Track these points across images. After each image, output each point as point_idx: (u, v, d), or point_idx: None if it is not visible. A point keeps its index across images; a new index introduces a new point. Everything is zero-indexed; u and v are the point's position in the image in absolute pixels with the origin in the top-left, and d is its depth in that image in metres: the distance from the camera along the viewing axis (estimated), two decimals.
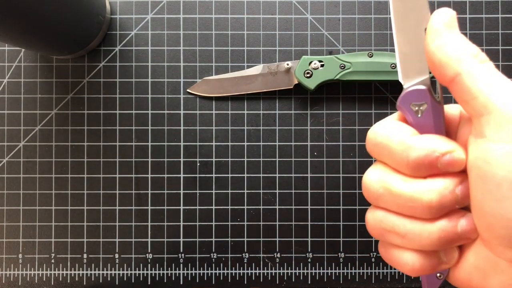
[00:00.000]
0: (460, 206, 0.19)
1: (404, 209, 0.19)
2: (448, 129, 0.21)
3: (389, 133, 0.20)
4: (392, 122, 0.20)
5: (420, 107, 0.20)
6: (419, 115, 0.20)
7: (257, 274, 0.37)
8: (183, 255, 0.37)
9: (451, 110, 0.21)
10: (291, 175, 0.37)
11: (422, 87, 0.20)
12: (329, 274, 0.37)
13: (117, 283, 0.37)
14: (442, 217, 0.18)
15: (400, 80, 0.20)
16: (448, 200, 0.18)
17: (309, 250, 0.37)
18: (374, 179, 0.20)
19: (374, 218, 0.20)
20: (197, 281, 0.37)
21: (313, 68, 0.35)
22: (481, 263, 0.18)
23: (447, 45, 0.18)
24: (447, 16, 0.18)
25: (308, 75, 0.35)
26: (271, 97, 0.37)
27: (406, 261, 0.19)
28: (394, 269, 0.37)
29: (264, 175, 0.37)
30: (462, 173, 0.19)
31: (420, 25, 0.19)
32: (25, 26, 0.28)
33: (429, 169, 0.18)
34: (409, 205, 0.18)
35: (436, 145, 0.18)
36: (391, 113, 0.37)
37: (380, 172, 0.20)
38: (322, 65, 0.35)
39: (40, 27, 0.29)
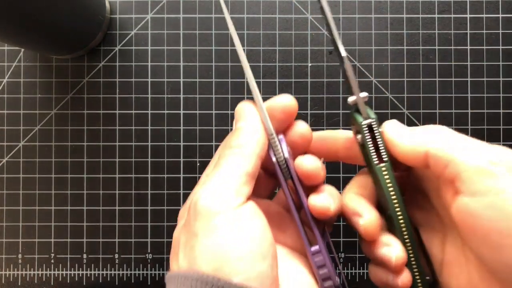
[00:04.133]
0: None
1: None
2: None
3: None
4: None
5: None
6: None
7: None
8: None
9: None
10: None
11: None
12: None
13: (117, 283, 0.37)
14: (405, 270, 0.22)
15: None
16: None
17: None
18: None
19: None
20: None
21: None
22: None
23: (407, 141, 0.21)
24: (394, 127, 0.22)
25: None
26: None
27: None
28: None
29: None
30: None
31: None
32: (24, 26, 0.28)
33: None
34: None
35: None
36: (391, 113, 0.37)
37: None
38: None
39: (40, 27, 0.29)
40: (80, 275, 0.37)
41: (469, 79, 0.37)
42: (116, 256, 0.37)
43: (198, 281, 0.17)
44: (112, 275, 0.37)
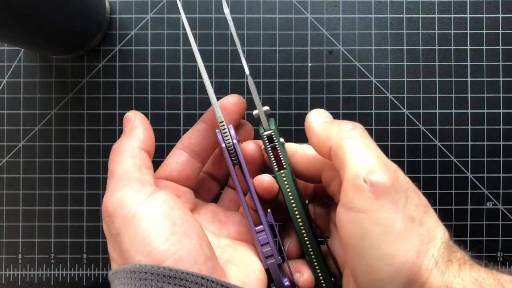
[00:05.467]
0: None
1: None
2: None
3: None
4: None
5: None
6: None
7: None
8: None
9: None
10: None
11: None
12: None
13: None
14: None
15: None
16: None
17: None
18: None
19: None
20: None
21: None
22: None
23: (321, 132, 0.22)
24: (317, 115, 0.23)
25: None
26: (271, 97, 0.37)
27: None
28: None
29: None
30: None
31: None
32: (24, 26, 0.28)
33: None
34: None
35: None
36: (391, 113, 0.37)
37: None
38: None
39: (40, 27, 0.29)
40: (80, 275, 0.37)
41: (469, 79, 0.37)
42: None
43: (132, 272, 0.18)
44: None
